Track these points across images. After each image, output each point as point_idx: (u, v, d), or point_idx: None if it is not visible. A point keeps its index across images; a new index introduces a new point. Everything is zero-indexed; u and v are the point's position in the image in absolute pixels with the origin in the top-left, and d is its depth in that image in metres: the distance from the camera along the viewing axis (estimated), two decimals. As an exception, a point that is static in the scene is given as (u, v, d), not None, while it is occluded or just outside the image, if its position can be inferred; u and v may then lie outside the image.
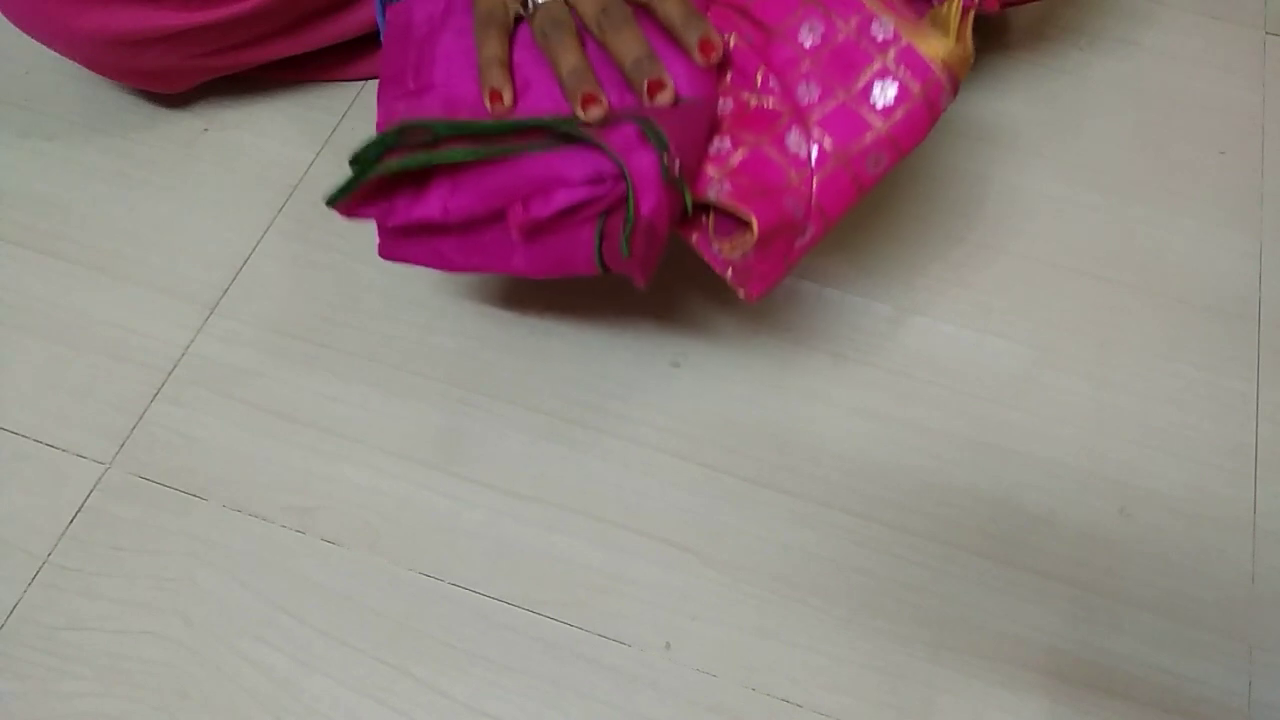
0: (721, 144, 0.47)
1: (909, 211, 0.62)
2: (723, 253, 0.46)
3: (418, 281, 0.58)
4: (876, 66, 0.46)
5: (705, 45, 0.46)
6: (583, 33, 0.48)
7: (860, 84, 0.46)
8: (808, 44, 0.47)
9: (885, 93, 0.46)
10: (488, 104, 0.47)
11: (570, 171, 0.43)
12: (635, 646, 0.48)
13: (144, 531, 0.50)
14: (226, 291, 0.58)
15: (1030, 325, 0.58)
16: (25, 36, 0.57)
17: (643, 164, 0.42)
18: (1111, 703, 0.48)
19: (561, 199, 0.43)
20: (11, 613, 0.48)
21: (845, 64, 0.46)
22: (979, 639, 0.49)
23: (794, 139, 0.46)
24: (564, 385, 0.55)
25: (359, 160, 0.44)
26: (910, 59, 0.45)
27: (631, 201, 0.42)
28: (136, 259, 0.59)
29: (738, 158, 0.46)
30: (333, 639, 0.48)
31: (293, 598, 0.49)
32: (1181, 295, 0.60)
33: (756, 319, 0.58)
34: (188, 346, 0.56)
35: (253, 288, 0.58)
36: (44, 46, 0.57)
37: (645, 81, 0.46)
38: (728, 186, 0.45)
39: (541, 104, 0.47)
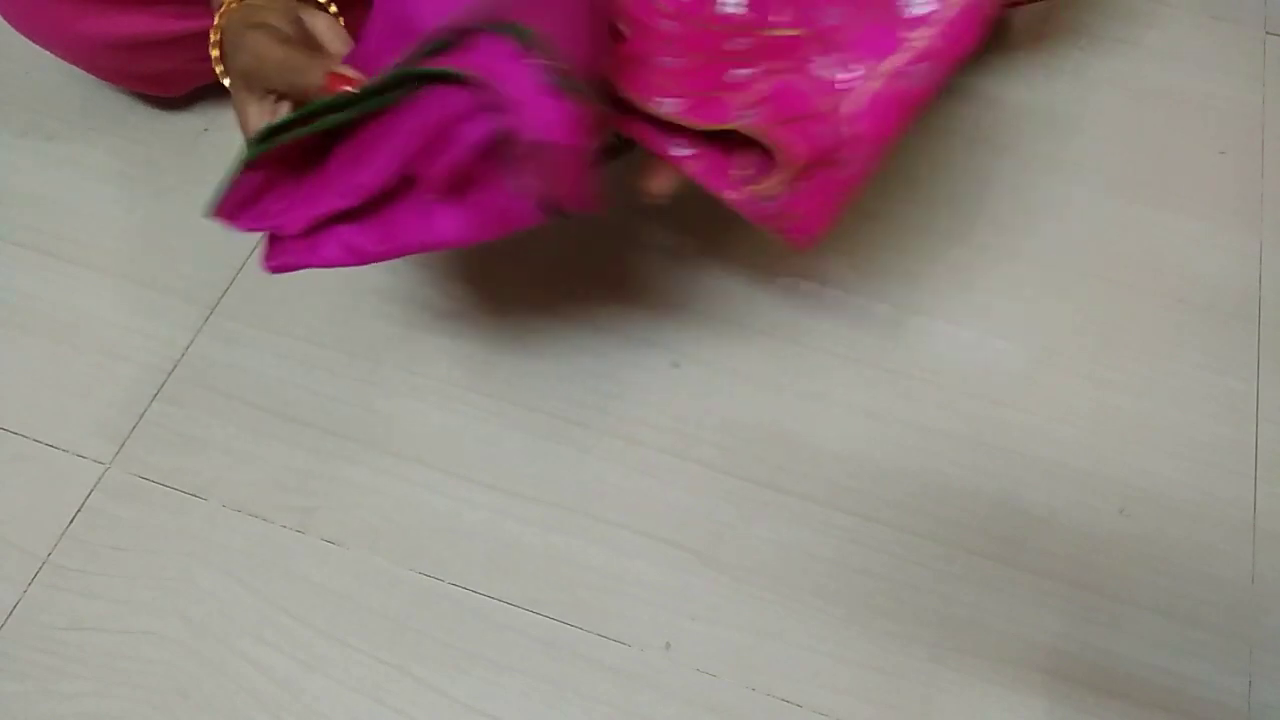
0: (739, 72, 0.42)
1: (909, 212, 0.62)
2: (758, 194, 0.42)
3: (418, 282, 0.58)
4: None
5: None
6: None
7: None
8: None
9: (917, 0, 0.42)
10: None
11: (459, 104, 0.37)
12: (635, 646, 0.48)
13: (144, 531, 0.50)
14: (226, 291, 0.58)
15: (1030, 325, 0.58)
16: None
17: (518, 79, 0.35)
18: (1111, 703, 0.48)
19: (467, 136, 0.37)
20: (11, 613, 0.48)
21: None
22: (979, 639, 0.49)
23: (821, 64, 0.42)
24: (564, 385, 0.55)
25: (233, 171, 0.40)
26: None
27: (530, 130, 0.35)
28: (136, 259, 0.59)
29: (764, 87, 0.42)
30: (333, 639, 0.48)
31: (293, 598, 0.49)
32: (1181, 295, 0.60)
33: (756, 319, 0.58)
34: (188, 346, 0.56)
35: (253, 288, 0.58)
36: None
37: None
38: (754, 116, 0.41)
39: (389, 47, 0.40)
